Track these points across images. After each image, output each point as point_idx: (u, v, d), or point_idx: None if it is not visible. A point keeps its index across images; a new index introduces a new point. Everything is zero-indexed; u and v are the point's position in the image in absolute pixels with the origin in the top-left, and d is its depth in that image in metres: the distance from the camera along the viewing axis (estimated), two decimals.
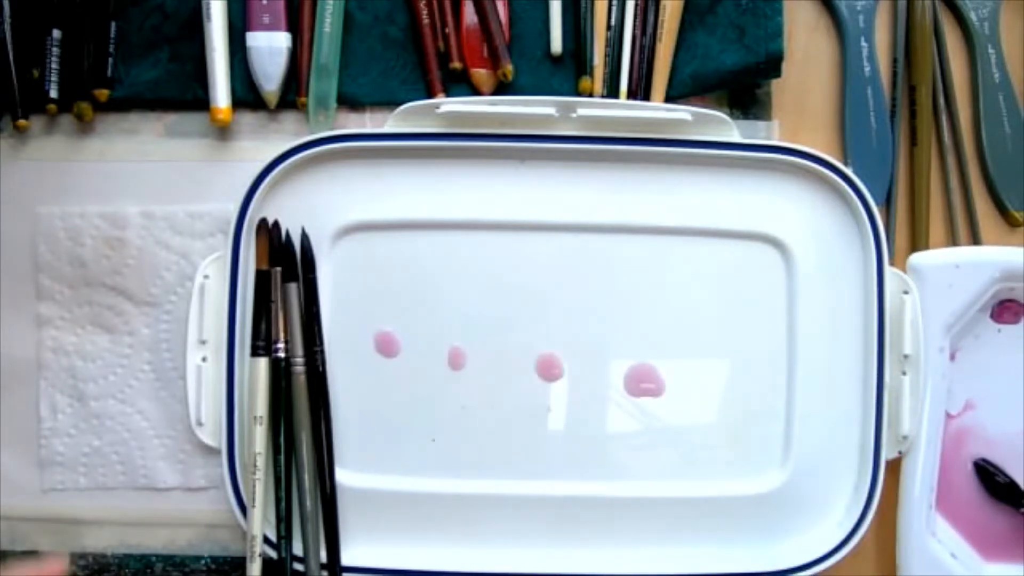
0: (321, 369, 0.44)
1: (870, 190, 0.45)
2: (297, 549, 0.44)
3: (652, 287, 0.45)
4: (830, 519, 0.45)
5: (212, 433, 0.45)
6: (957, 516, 0.47)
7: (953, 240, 0.48)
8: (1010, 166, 0.48)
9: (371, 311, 0.45)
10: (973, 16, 0.49)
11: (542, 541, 0.45)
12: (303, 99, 0.46)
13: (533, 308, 0.45)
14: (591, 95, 0.47)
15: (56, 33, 0.46)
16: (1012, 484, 0.46)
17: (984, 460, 0.47)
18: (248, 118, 0.47)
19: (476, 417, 0.45)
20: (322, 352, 0.44)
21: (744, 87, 0.48)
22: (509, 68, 0.46)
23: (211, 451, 0.45)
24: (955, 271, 0.45)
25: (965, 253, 0.47)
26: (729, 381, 0.46)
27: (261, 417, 0.43)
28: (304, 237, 0.44)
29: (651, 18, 0.47)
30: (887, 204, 0.48)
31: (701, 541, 0.45)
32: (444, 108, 0.44)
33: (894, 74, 0.48)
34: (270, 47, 0.46)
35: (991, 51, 0.48)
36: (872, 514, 0.44)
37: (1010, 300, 0.47)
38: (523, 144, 0.45)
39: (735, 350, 0.46)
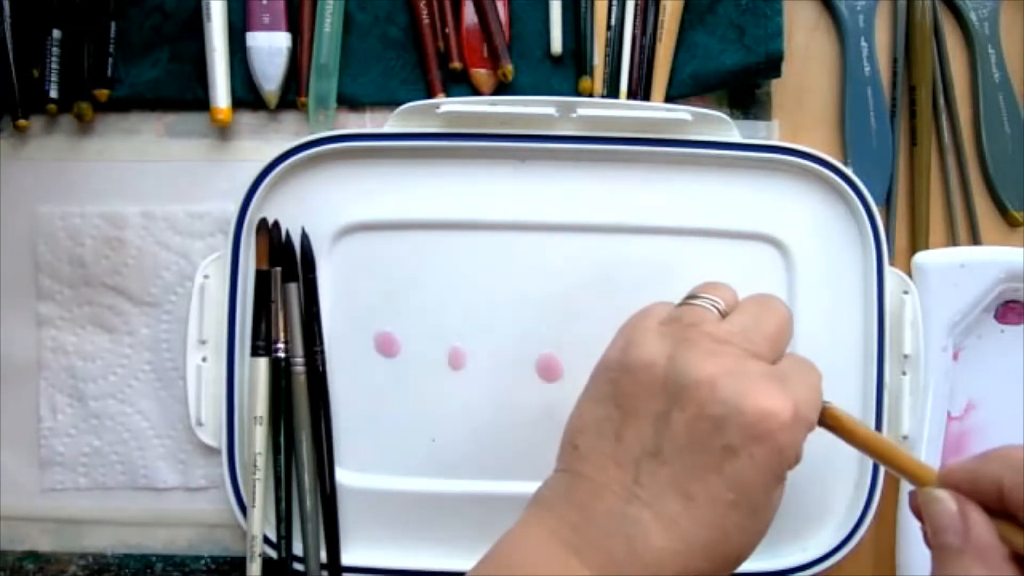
0: (321, 369, 0.44)
1: (870, 190, 0.45)
2: (297, 549, 0.44)
3: (652, 287, 0.45)
4: (830, 519, 0.45)
5: (212, 433, 0.45)
6: None
7: (953, 240, 0.48)
8: (1010, 166, 0.48)
9: (371, 311, 0.45)
10: (973, 16, 0.49)
11: None
12: (303, 99, 0.46)
13: (533, 308, 0.45)
14: (591, 95, 0.47)
15: (56, 33, 0.46)
16: None
17: None
18: (248, 118, 0.47)
19: (476, 417, 0.45)
20: (322, 352, 0.44)
21: (744, 87, 0.48)
22: (509, 68, 0.46)
23: (211, 451, 0.45)
24: (960, 270, 0.45)
25: (970, 253, 0.47)
26: None
27: (261, 417, 0.43)
28: (304, 237, 0.44)
29: (651, 18, 0.47)
30: (887, 204, 0.48)
31: None
32: (444, 108, 0.44)
33: (894, 74, 0.48)
34: (270, 47, 0.46)
35: (991, 51, 0.48)
36: (872, 514, 0.44)
37: (1014, 301, 0.47)
38: (523, 144, 0.45)
39: None
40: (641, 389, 0.33)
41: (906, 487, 0.45)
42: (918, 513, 0.32)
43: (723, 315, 0.35)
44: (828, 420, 0.35)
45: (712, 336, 0.33)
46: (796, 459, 0.33)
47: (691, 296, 0.37)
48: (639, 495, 0.32)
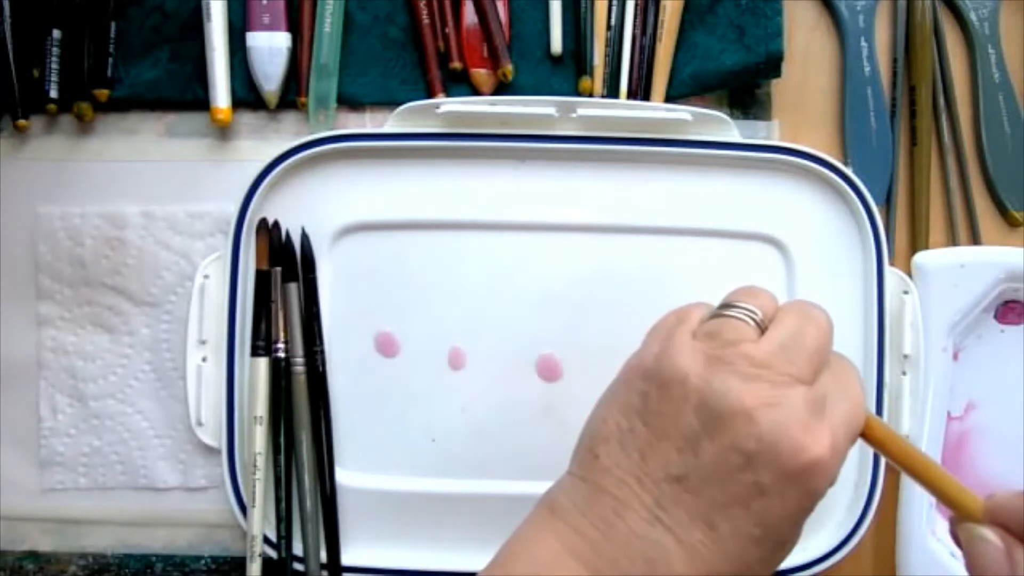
0: (321, 369, 0.44)
1: (870, 190, 0.45)
2: (297, 549, 0.44)
3: (652, 287, 0.45)
4: (830, 519, 0.45)
5: (212, 433, 0.45)
6: None
7: (953, 240, 0.48)
8: (1010, 166, 0.48)
9: (371, 311, 0.45)
10: (973, 16, 0.49)
11: None
12: (303, 99, 0.46)
13: (533, 308, 0.45)
14: (591, 95, 0.47)
15: (56, 33, 0.46)
16: None
17: None
18: (248, 118, 0.47)
19: (476, 417, 0.45)
20: (322, 352, 0.44)
21: (744, 87, 0.48)
22: (509, 68, 0.46)
23: (211, 451, 0.45)
24: (960, 271, 0.45)
25: (970, 253, 0.47)
26: None
27: (261, 417, 0.43)
28: (304, 237, 0.44)
29: (651, 18, 0.47)
30: (887, 204, 0.48)
31: None
32: (444, 108, 0.44)
33: (894, 74, 0.48)
34: (270, 47, 0.46)
35: (991, 51, 0.48)
36: (872, 514, 0.44)
37: (1014, 301, 0.47)
38: (523, 144, 0.45)
39: None
40: (671, 408, 0.31)
41: (906, 487, 0.45)
42: (959, 542, 0.31)
43: (761, 327, 0.33)
44: (866, 432, 0.33)
45: (751, 359, 0.31)
46: (832, 486, 0.31)
47: (728, 304, 0.34)
48: (661, 518, 0.31)
